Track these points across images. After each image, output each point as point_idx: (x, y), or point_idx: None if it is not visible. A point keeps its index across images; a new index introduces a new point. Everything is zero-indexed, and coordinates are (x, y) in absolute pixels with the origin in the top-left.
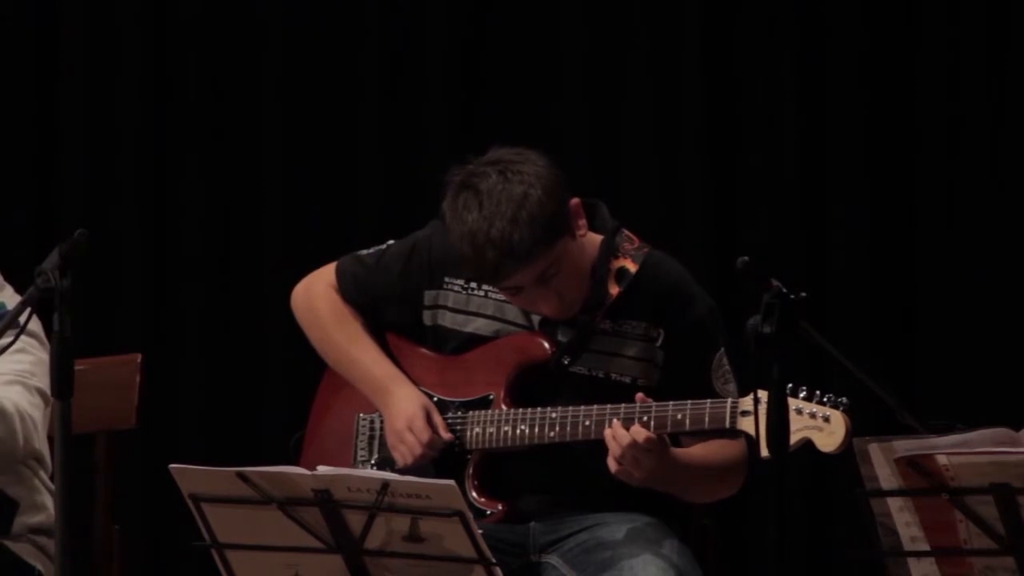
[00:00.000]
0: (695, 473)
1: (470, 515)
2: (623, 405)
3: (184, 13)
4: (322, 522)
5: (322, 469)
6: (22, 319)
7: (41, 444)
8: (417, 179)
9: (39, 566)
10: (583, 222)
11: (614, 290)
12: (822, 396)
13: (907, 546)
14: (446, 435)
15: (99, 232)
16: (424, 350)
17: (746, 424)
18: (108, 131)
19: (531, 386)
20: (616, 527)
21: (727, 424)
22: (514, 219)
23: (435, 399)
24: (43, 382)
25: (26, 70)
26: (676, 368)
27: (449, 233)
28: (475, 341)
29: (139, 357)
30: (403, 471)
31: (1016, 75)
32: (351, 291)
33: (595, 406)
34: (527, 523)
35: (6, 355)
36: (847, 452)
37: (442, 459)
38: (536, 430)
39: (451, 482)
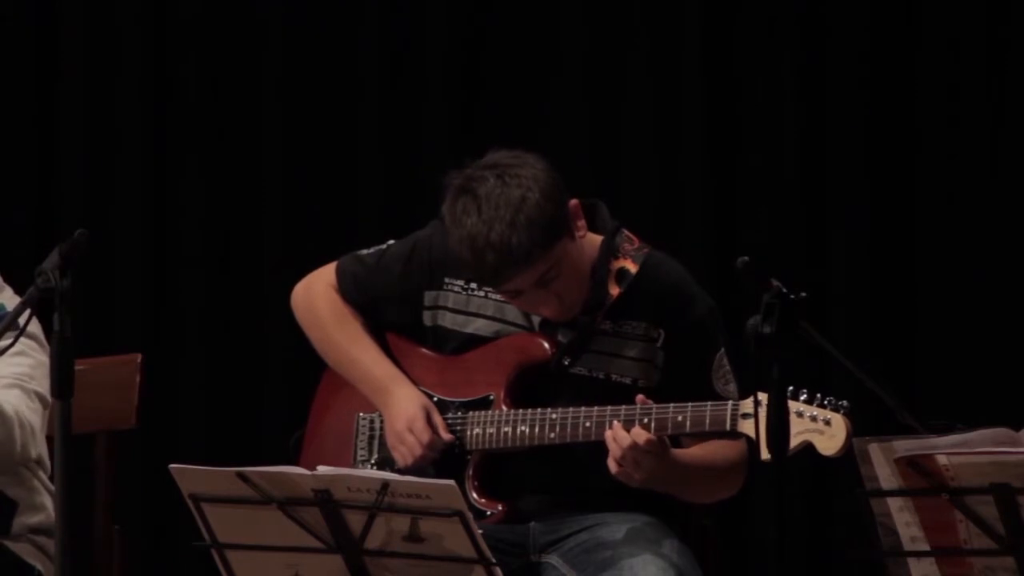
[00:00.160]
0: (695, 474)
1: (470, 515)
2: (623, 407)
3: (184, 13)
4: (322, 522)
5: (322, 469)
6: (22, 320)
7: (39, 448)
8: (417, 179)
9: (39, 566)
10: (582, 223)
11: (614, 291)
12: (823, 399)
13: (907, 546)
14: (446, 436)
15: (99, 232)
16: (424, 350)
17: (747, 427)
18: (108, 131)
19: (531, 387)
20: (616, 527)
21: (728, 427)
22: (512, 223)
23: (435, 399)
24: (42, 385)
25: (26, 70)
26: (676, 369)
27: (448, 237)
28: (475, 342)
29: (139, 357)
30: (403, 471)
31: (1016, 75)
32: (351, 291)
33: (595, 407)
34: (527, 523)
35: (5, 357)
36: (847, 452)
37: (442, 459)
38: (536, 431)
39: (451, 482)
